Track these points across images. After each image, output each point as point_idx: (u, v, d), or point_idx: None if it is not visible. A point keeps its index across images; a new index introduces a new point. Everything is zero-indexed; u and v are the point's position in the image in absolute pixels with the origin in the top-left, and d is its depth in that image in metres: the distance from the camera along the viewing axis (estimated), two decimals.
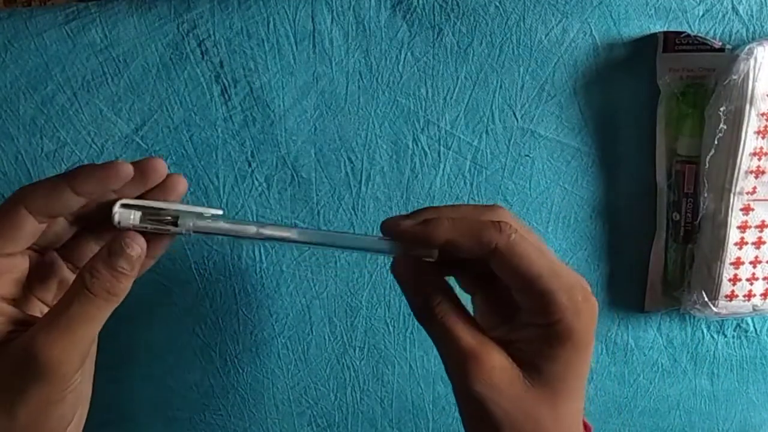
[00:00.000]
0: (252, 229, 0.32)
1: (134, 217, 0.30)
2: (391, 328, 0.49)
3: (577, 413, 0.31)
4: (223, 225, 0.32)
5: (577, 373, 0.30)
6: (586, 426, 0.35)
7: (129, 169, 0.29)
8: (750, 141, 0.41)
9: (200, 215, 0.32)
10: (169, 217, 0.31)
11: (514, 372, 0.29)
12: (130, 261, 0.29)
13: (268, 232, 0.32)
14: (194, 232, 0.32)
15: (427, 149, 0.45)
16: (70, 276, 0.34)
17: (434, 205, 0.46)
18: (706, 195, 0.43)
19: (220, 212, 0.33)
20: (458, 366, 0.29)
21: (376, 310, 0.48)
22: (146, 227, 0.31)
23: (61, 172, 0.30)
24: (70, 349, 0.28)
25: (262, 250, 0.46)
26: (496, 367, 0.29)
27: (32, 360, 0.28)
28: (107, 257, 0.29)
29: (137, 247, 0.29)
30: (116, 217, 0.30)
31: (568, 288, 0.29)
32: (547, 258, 0.29)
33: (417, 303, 0.30)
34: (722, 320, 0.50)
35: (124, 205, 0.30)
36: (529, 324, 0.30)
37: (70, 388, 0.29)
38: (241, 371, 0.49)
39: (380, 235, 0.32)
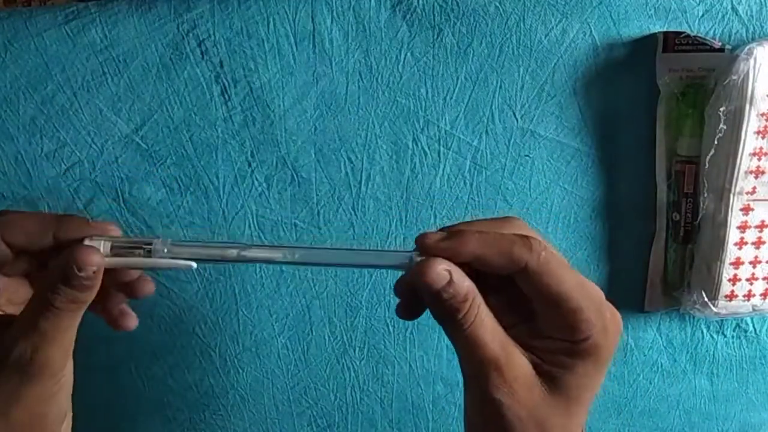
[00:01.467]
0: (233, 253, 0.29)
1: (104, 248, 0.29)
2: (391, 328, 0.49)
3: (583, 422, 0.31)
4: (201, 250, 0.30)
5: (593, 386, 0.30)
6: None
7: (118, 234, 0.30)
8: (750, 141, 0.41)
9: (174, 243, 0.30)
10: (141, 249, 0.29)
11: (534, 380, 0.29)
12: (89, 277, 0.28)
13: (251, 254, 0.29)
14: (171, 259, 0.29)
15: (427, 149, 0.45)
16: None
17: (433, 206, 0.46)
18: (706, 195, 0.43)
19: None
20: (480, 373, 0.29)
21: (376, 310, 0.48)
22: (116, 260, 0.29)
23: (50, 215, 0.30)
24: (54, 350, 0.29)
25: None
26: (519, 377, 0.29)
27: (24, 365, 0.28)
28: (64, 277, 0.28)
29: (91, 267, 0.28)
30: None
31: (597, 305, 0.29)
32: (575, 275, 0.29)
33: (442, 310, 0.29)
34: (722, 320, 0.50)
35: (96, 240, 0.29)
36: (552, 336, 0.29)
37: (60, 383, 0.30)
38: (241, 371, 0.49)
39: (379, 248, 0.30)
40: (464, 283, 0.28)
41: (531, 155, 0.46)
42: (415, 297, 0.30)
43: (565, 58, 0.44)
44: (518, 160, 0.46)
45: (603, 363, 0.29)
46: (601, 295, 0.30)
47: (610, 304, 0.30)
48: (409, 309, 0.31)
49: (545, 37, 0.43)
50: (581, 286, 0.28)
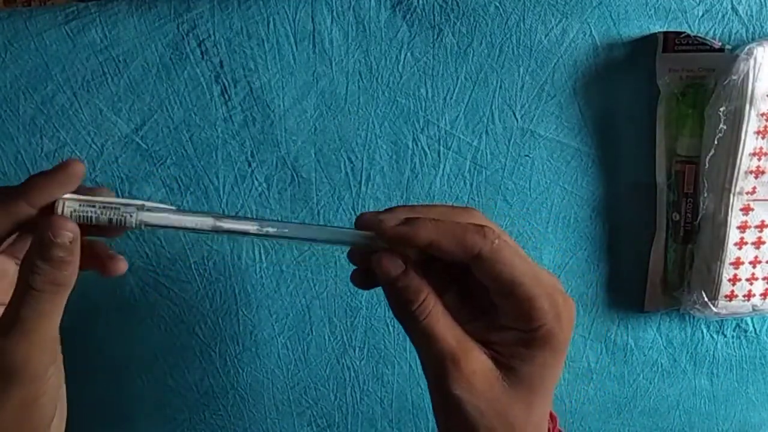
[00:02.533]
0: (209, 222, 0.30)
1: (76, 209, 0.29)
2: (391, 328, 0.49)
3: (547, 412, 0.32)
4: (175, 217, 0.30)
5: (552, 374, 0.30)
6: (551, 416, 0.36)
7: (81, 168, 0.29)
8: (750, 141, 0.41)
9: (147, 208, 0.30)
10: (114, 209, 0.29)
11: (493, 374, 0.29)
12: (65, 248, 0.28)
13: (227, 225, 0.30)
14: (145, 225, 0.29)
15: (427, 149, 0.45)
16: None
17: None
18: (705, 195, 0.43)
19: (173, 208, 0.30)
20: (438, 367, 0.29)
21: (376, 310, 0.48)
22: (91, 218, 0.29)
23: (10, 187, 0.29)
24: (35, 348, 0.28)
25: (261, 250, 0.46)
26: (477, 371, 0.29)
27: (5, 368, 0.27)
28: (41, 250, 0.27)
29: (67, 233, 0.28)
30: (59, 212, 0.29)
31: (550, 293, 0.29)
32: (528, 263, 0.29)
33: (398, 300, 0.30)
34: (722, 320, 0.50)
35: (67, 201, 0.29)
36: (508, 327, 0.30)
37: (45, 386, 0.29)
38: (241, 371, 0.49)
39: (350, 227, 0.31)
40: (418, 278, 0.29)
41: (531, 155, 0.46)
42: (369, 268, 0.31)
43: (565, 58, 0.44)
44: (518, 160, 0.46)
45: (560, 351, 0.30)
46: (555, 282, 0.30)
47: (564, 292, 0.30)
48: (363, 278, 0.32)
49: (545, 37, 0.43)
50: (534, 274, 0.29)
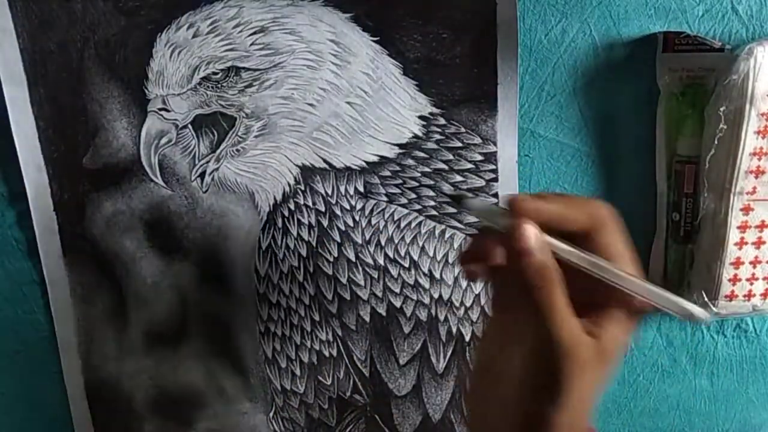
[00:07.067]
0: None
1: None
2: None
3: None
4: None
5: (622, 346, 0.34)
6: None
7: None
8: (750, 141, 0.41)
9: None
10: None
11: (596, 358, 0.31)
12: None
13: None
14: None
15: None
16: None
17: None
18: (706, 195, 0.43)
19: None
20: (555, 353, 0.30)
21: None
22: None
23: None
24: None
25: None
26: (587, 359, 0.30)
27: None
28: None
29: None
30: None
31: None
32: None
33: (528, 275, 0.30)
34: (722, 320, 0.50)
35: None
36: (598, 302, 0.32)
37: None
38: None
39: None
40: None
41: (531, 155, 0.46)
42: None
43: (565, 58, 0.44)
44: (518, 160, 0.46)
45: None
46: None
47: None
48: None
49: (545, 37, 0.43)
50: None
